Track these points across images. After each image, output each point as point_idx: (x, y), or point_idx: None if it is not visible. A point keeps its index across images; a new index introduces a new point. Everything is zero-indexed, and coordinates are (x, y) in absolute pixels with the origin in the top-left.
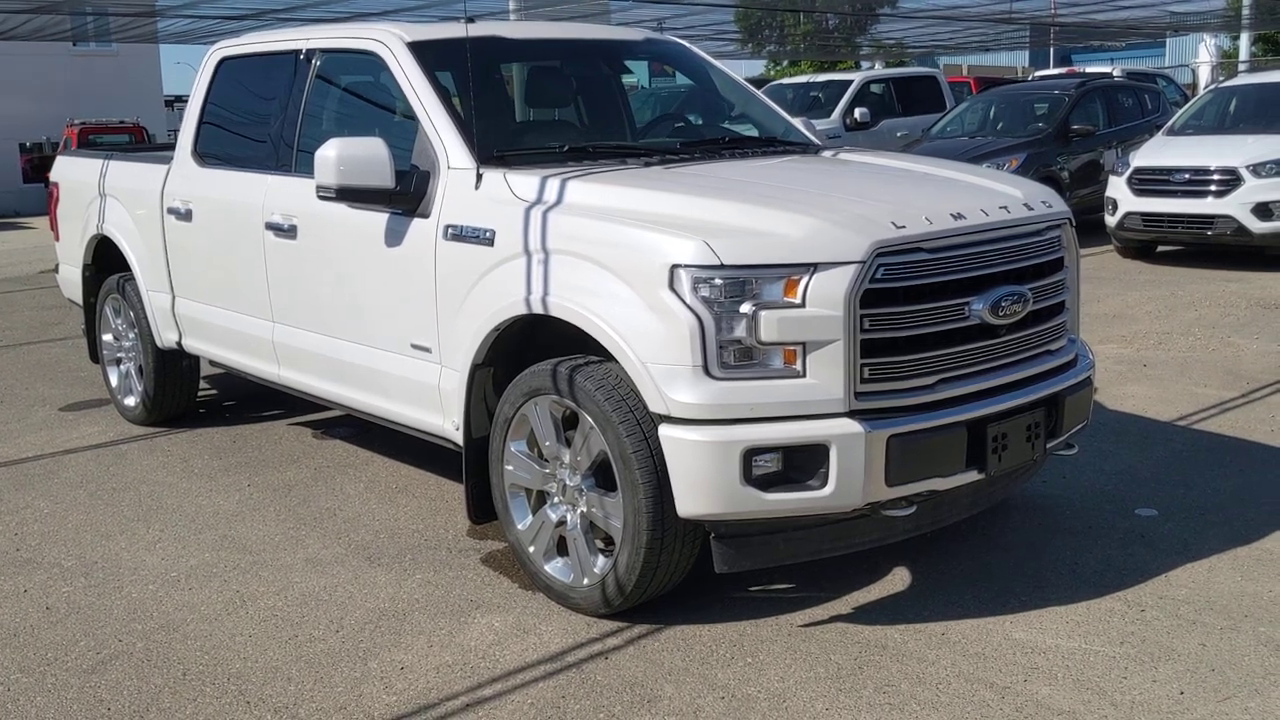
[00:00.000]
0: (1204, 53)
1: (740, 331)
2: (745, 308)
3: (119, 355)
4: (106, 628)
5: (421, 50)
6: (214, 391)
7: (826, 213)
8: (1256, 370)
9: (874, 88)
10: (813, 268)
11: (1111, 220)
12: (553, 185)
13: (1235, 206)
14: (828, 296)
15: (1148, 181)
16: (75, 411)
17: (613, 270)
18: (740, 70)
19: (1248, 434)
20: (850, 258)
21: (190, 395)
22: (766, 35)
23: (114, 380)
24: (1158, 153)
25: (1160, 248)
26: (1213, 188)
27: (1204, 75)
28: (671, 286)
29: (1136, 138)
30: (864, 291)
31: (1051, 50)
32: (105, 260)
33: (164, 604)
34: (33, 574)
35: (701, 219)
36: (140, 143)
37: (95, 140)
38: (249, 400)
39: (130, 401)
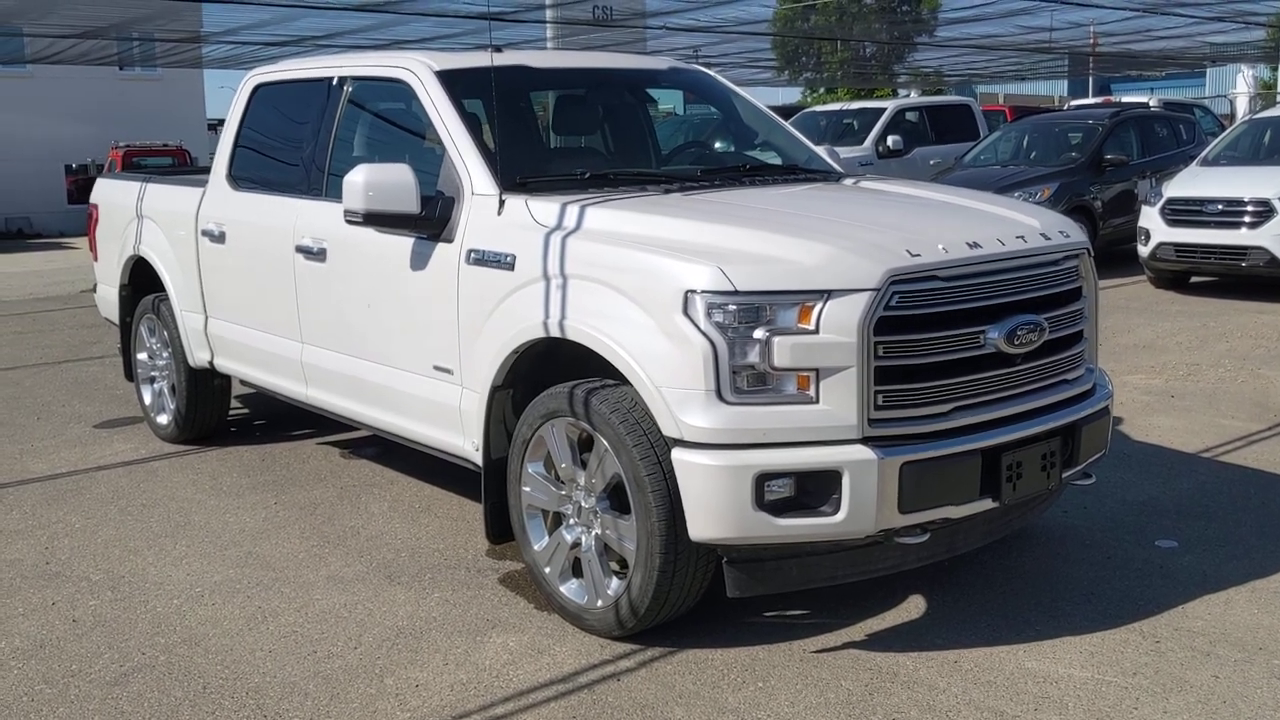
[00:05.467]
0: (1242, 83)
1: (754, 357)
2: (759, 333)
3: (153, 374)
4: (130, 641)
5: (449, 79)
6: (246, 410)
7: (842, 240)
8: None
9: (908, 116)
10: (827, 294)
11: (1144, 250)
12: (572, 211)
13: (1269, 238)
14: (841, 323)
15: (1181, 212)
16: (109, 429)
17: (628, 295)
18: (777, 97)
19: (1273, 467)
20: (864, 285)
21: (221, 414)
22: (803, 63)
23: (147, 398)
24: (1191, 183)
25: (1194, 278)
26: (1246, 219)
27: (1242, 106)
28: (686, 312)
29: (1171, 168)
30: (878, 319)
31: (1090, 80)
32: (141, 281)
33: (187, 619)
34: (61, 587)
35: (717, 245)
36: (183, 165)
37: (139, 163)
38: (279, 419)
39: (163, 419)
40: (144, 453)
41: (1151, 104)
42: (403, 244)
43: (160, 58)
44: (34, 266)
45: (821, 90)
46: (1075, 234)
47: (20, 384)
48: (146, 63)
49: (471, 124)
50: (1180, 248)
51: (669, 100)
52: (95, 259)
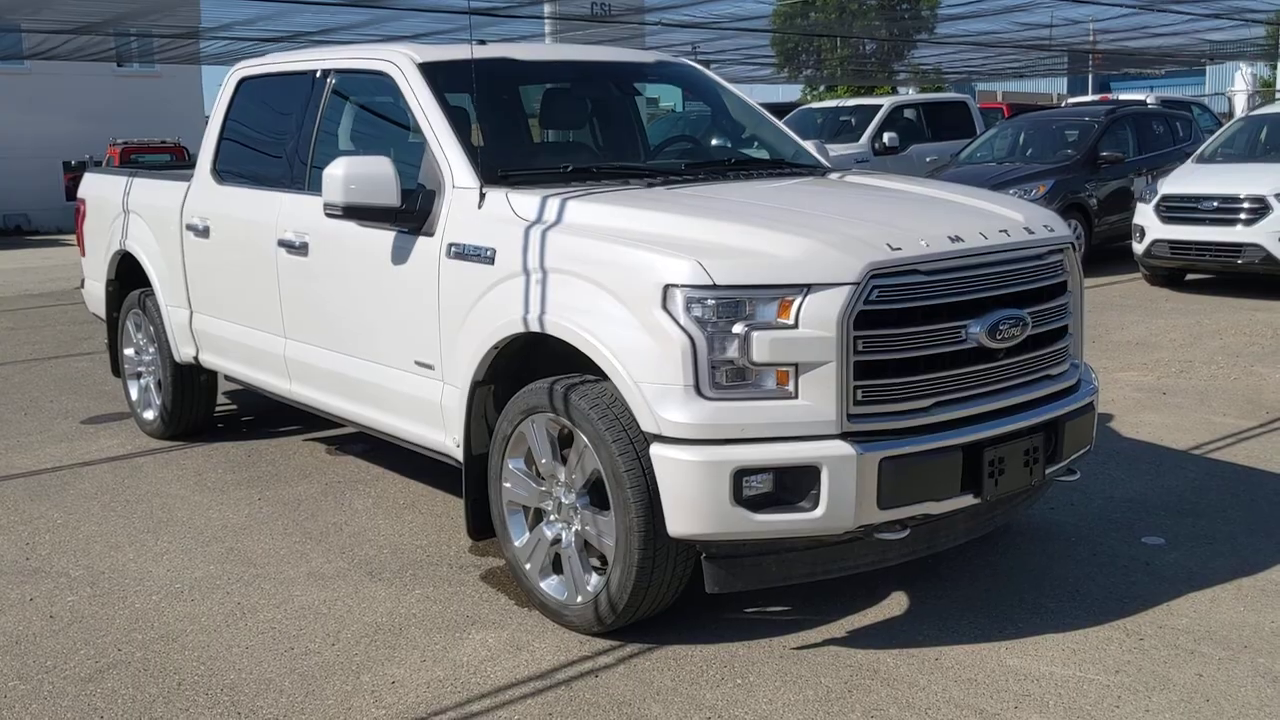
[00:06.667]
0: (1240, 81)
1: (733, 352)
2: (738, 328)
3: (139, 369)
4: (107, 637)
5: (431, 71)
6: (233, 407)
7: (821, 234)
8: (1277, 400)
9: (904, 113)
10: (806, 289)
11: (1139, 247)
12: (553, 205)
13: (1264, 235)
14: (821, 318)
15: (1176, 209)
16: (96, 424)
17: (608, 289)
18: (776, 95)
19: (1263, 464)
20: (844, 279)
21: (207, 410)
22: (803, 60)
23: (134, 394)
24: (1186, 180)
25: (1189, 276)
26: (1242, 216)
27: (1240, 103)
28: (665, 306)
29: (1167, 165)
30: (858, 313)
31: (1090, 77)
32: (128, 276)
33: (165, 615)
34: (40, 583)
35: (697, 239)
36: (180, 161)
37: (137, 159)
38: (267, 416)
39: (149, 415)
40: (130, 448)
41: (1149, 101)
42: (383, 238)
43: (158, 53)
44: (31, 263)
45: (821, 88)
46: (1060, 228)
47: (9, 379)
48: (144, 59)
49: (453, 116)
50: (1175, 245)
51: (669, 97)
52: (83, 254)
